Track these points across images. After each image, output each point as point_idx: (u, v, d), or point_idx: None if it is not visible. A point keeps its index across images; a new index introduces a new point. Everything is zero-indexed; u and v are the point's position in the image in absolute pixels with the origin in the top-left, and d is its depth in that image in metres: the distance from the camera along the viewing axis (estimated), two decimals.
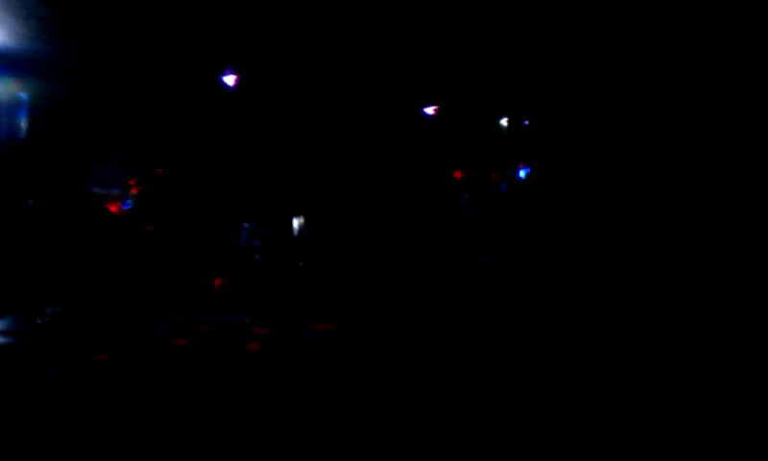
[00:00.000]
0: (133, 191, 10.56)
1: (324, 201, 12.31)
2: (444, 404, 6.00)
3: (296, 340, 7.93)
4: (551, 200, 12.61)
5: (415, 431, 5.38)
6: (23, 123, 12.22)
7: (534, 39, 8.21)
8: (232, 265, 10.95)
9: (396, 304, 9.79)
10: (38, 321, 7.77)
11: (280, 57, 9.72)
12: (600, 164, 12.32)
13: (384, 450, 5.00)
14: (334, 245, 11.77)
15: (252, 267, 11.04)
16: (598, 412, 5.90)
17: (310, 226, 11.59)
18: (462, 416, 5.74)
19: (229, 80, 10.88)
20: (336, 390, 6.28)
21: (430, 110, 12.57)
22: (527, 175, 13.52)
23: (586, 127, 12.56)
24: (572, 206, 12.22)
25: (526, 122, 13.18)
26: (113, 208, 10.33)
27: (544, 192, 12.95)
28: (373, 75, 10.43)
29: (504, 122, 13.03)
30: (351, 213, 12.59)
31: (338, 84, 11.18)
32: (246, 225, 11.32)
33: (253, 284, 10.57)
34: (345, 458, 4.88)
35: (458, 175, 12.96)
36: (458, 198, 13.03)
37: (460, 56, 9.01)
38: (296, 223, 11.47)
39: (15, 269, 9.82)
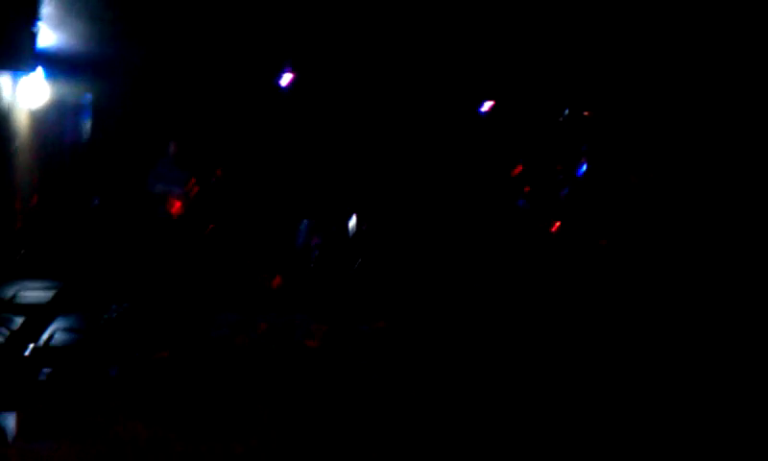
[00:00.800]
0: (194, 190, 10.68)
1: (382, 198, 12.27)
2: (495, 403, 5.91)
3: (353, 337, 7.92)
4: (613, 198, 12.36)
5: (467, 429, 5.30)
6: (87, 124, 12.49)
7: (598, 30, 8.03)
8: (291, 263, 11.00)
9: (450, 301, 9.71)
10: (104, 317, 7.91)
11: (337, 55, 9.72)
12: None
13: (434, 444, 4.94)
14: (391, 243, 11.72)
15: (310, 264, 11.08)
16: None
17: (368, 224, 11.57)
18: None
19: (286, 79, 10.92)
20: (389, 386, 6.23)
21: (487, 106, 12.42)
22: (586, 171, 13.22)
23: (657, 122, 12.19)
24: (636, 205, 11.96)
25: (585, 113, 12.87)
26: (175, 207, 10.46)
27: (606, 190, 12.68)
28: (430, 71, 10.35)
29: (564, 114, 12.78)
30: (409, 211, 12.52)
31: (395, 82, 11.13)
32: (304, 223, 11.36)
33: (312, 281, 10.60)
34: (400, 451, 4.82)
35: (517, 170, 12.76)
36: (515, 193, 12.85)
37: (517, 49, 8.88)
38: (353, 221, 11.46)
39: (82, 267, 10.05)
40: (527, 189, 12.58)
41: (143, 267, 10.00)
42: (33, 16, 8.24)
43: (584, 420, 5.54)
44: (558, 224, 12.17)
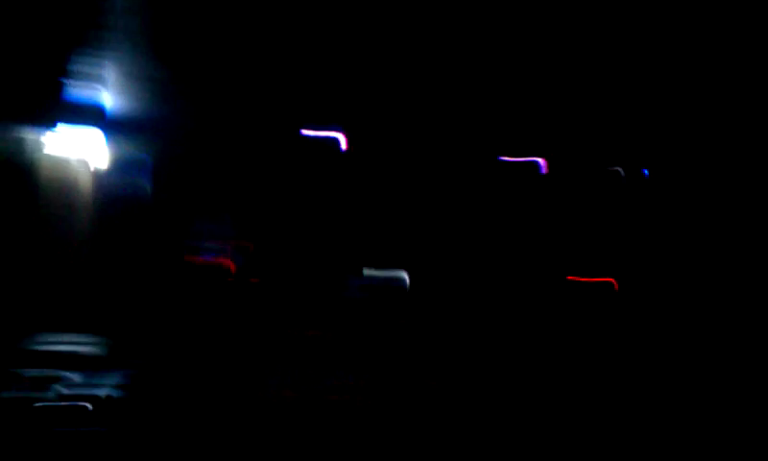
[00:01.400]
0: (242, 244, 10.80)
1: (428, 256, 12.21)
2: None
3: (396, 396, 7.83)
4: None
5: None
6: (146, 183, 12.76)
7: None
8: (337, 318, 10.98)
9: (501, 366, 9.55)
10: (154, 373, 7.97)
11: (384, 114, 9.83)
12: None
13: None
14: (438, 300, 11.61)
15: (356, 320, 11.04)
16: None
17: (414, 280, 11.51)
18: None
19: (337, 137, 11.07)
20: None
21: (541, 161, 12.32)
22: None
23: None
24: None
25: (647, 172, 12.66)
26: (224, 264, 10.59)
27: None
28: (476, 129, 10.37)
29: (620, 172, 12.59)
30: (458, 264, 12.41)
31: (447, 133, 11.17)
32: (352, 278, 11.36)
33: (357, 337, 10.55)
34: None
35: None
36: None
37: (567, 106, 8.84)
38: (402, 274, 11.42)
39: (133, 321, 10.19)
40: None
41: (191, 324, 10.09)
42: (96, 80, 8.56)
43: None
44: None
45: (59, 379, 6.89)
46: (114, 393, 7.07)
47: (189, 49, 7.68)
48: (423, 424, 6.73)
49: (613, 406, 7.43)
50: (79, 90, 9.07)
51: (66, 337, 8.90)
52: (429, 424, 6.71)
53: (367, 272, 11.54)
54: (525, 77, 7.79)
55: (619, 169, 12.83)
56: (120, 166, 12.00)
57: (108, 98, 9.56)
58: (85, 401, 6.47)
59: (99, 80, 8.67)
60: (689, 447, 5.60)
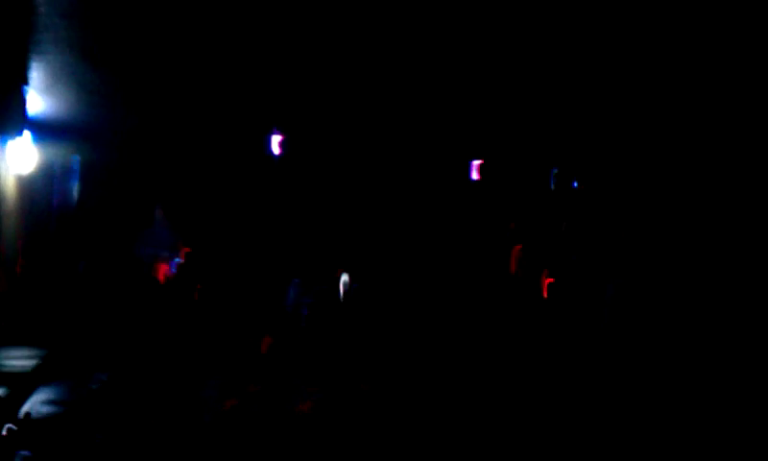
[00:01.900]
0: (184, 251, 10.62)
1: (371, 256, 12.23)
2: None
3: (346, 399, 7.79)
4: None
5: None
6: (75, 189, 12.43)
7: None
8: (281, 323, 10.87)
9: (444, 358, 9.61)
10: (90, 387, 7.73)
11: (326, 118, 9.79)
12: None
13: None
14: (382, 300, 11.63)
15: (301, 324, 10.96)
16: None
17: (358, 281, 11.50)
18: None
19: (275, 141, 10.97)
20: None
21: (476, 164, 12.50)
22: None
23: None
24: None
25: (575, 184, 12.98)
26: (163, 270, 10.39)
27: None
28: (418, 132, 10.43)
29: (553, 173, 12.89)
30: (398, 268, 12.47)
31: (384, 141, 11.20)
32: (294, 282, 11.28)
33: (303, 342, 10.46)
34: None
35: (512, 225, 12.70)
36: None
37: (505, 109, 8.97)
38: (343, 279, 11.39)
39: (68, 333, 9.88)
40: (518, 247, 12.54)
41: (129, 333, 9.83)
42: (21, 82, 8.27)
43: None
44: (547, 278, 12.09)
45: None
46: (42, 409, 6.85)
47: (121, 51, 7.48)
48: (373, 428, 6.73)
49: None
50: (4, 94, 8.76)
51: None
52: (380, 427, 6.71)
53: (308, 275, 11.48)
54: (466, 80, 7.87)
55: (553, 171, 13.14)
56: (48, 172, 11.66)
57: (36, 101, 9.25)
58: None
59: (25, 82, 8.39)
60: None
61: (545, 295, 11.71)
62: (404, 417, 7.25)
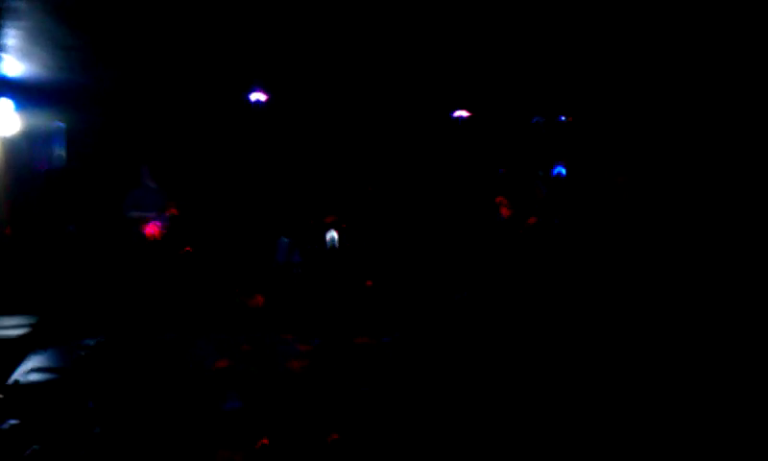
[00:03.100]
0: (171, 212, 10.57)
1: (359, 212, 12.20)
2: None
3: (338, 355, 7.83)
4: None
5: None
6: (61, 152, 12.35)
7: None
8: (272, 281, 10.89)
9: (438, 311, 9.65)
10: (80, 353, 7.76)
11: (308, 71, 9.65)
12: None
13: None
14: (371, 256, 11.64)
15: (291, 282, 10.97)
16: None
17: (348, 238, 11.49)
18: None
19: (259, 97, 10.82)
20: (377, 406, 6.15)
21: (463, 114, 12.37)
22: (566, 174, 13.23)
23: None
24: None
25: (563, 118, 12.89)
26: (151, 231, 10.36)
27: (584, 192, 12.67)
28: (402, 83, 10.31)
29: (540, 120, 12.80)
30: (385, 223, 12.45)
31: (367, 94, 11.08)
32: (284, 240, 11.26)
33: (294, 300, 10.50)
34: None
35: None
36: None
37: (490, 58, 8.84)
38: (333, 235, 11.37)
39: (58, 298, 9.89)
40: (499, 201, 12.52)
41: (120, 295, 9.85)
42: None
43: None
44: (533, 219, 12.06)
45: None
46: (34, 376, 6.86)
47: (104, 14, 7.33)
48: (364, 385, 6.77)
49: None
50: None
51: None
52: (372, 389, 6.75)
53: (298, 233, 11.46)
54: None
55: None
56: (33, 136, 11.58)
57: (18, 66, 9.13)
58: None
59: (6, 48, 8.25)
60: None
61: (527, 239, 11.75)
62: (394, 374, 7.29)
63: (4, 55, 8.42)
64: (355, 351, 8.05)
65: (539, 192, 12.32)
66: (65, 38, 7.87)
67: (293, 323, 9.36)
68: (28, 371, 7.09)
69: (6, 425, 5.57)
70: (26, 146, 11.48)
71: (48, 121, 11.78)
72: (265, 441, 5.26)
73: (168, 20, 7.44)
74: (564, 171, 13.37)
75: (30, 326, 8.60)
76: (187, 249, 10.72)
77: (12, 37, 7.76)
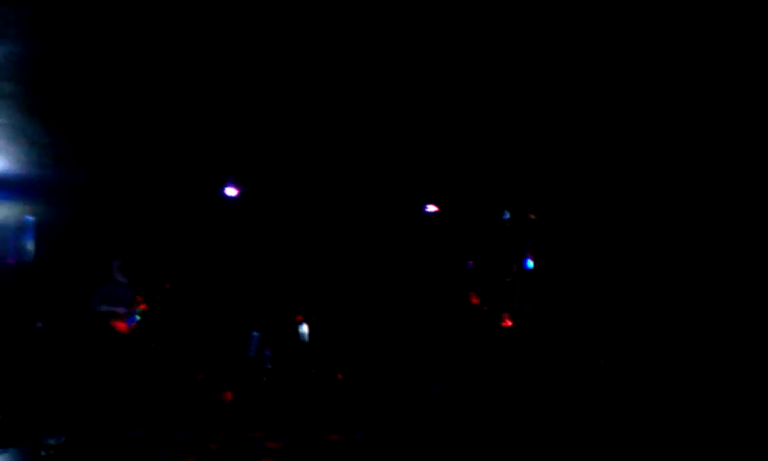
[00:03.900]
0: (141, 307, 10.50)
1: (331, 306, 12.21)
2: None
3: (310, 454, 7.71)
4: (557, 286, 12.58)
5: None
6: (30, 245, 12.29)
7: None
8: (243, 376, 10.77)
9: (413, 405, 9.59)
10: (42, 453, 7.54)
11: (281, 168, 9.81)
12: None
13: None
14: (345, 349, 11.60)
15: (263, 377, 10.86)
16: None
17: (320, 331, 11.46)
18: None
19: (231, 192, 10.93)
20: None
21: (432, 208, 12.58)
22: (534, 266, 13.47)
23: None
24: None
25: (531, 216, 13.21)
26: (120, 327, 10.25)
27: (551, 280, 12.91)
28: (372, 180, 10.50)
29: (507, 216, 13.07)
30: (360, 314, 12.47)
31: (338, 191, 11.24)
32: (255, 334, 11.20)
33: (265, 395, 10.37)
34: None
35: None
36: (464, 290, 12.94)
37: (459, 158, 9.06)
38: (304, 329, 11.34)
39: (21, 396, 9.67)
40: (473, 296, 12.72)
41: (85, 390, 9.66)
42: None
43: None
44: (508, 320, 12.26)
45: None
46: None
47: (70, 108, 7.43)
48: None
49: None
50: None
51: None
52: None
53: (269, 327, 11.40)
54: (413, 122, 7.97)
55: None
56: (2, 229, 11.53)
57: None
58: None
59: None
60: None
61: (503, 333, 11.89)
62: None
63: None
64: (327, 448, 7.93)
65: (516, 288, 12.55)
66: (40, 136, 7.96)
67: (263, 419, 9.21)
68: None
69: None
70: None
71: (18, 214, 11.77)
72: None
73: (142, 119, 7.56)
74: (530, 264, 13.60)
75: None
76: (153, 344, 10.60)
77: None
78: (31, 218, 11.98)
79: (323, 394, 10.44)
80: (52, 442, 7.84)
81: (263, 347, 11.14)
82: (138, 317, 10.39)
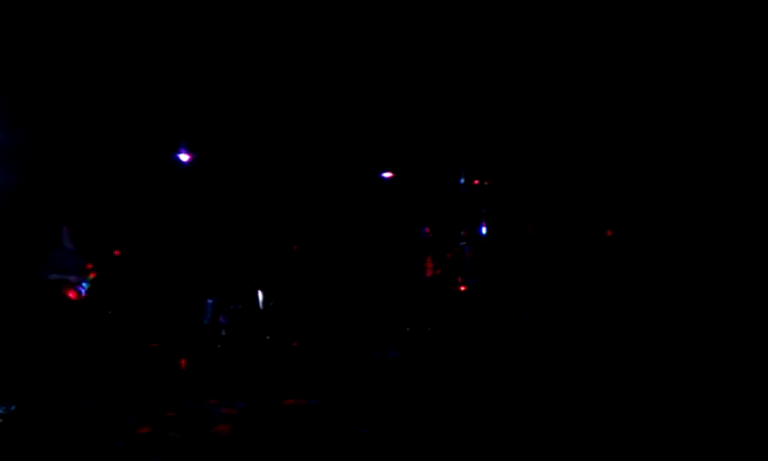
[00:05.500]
0: (91, 275, 10.31)
1: (286, 270, 12.17)
2: None
3: (266, 419, 7.71)
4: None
5: None
6: None
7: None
8: (197, 344, 10.70)
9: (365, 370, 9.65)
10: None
11: (236, 129, 9.69)
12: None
13: None
14: (300, 315, 11.60)
15: (218, 344, 10.80)
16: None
17: (275, 297, 11.42)
18: None
19: (184, 157, 10.76)
20: None
21: (387, 175, 12.57)
22: (488, 231, 13.59)
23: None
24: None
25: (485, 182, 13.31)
26: (71, 295, 10.06)
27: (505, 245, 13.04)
28: (328, 146, 10.45)
29: (462, 181, 13.14)
30: (315, 280, 12.46)
31: (293, 155, 11.17)
32: (209, 301, 11.11)
33: (220, 362, 10.32)
34: None
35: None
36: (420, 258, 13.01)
37: (417, 124, 9.07)
38: (260, 295, 11.28)
39: None
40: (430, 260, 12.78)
41: (35, 360, 9.49)
42: None
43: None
44: (463, 286, 12.36)
45: None
46: None
47: (19, 68, 7.22)
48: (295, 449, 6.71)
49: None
50: None
51: None
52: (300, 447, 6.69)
53: (223, 294, 11.33)
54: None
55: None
56: None
57: None
58: None
59: None
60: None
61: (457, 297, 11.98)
62: (323, 435, 7.22)
63: None
64: (284, 413, 7.94)
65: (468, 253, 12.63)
66: None
67: (218, 386, 9.17)
68: None
69: None
70: None
71: None
72: None
73: (90, 77, 7.39)
74: (484, 230, 13.72)
75: None
76: (109, 312, 10.45)
77: None
78: None
79: (278, 360, 10.43)
80: (1, 411, 7.70)
81: (217, 314, 11.07)
82: (89, 284, 10.22)
